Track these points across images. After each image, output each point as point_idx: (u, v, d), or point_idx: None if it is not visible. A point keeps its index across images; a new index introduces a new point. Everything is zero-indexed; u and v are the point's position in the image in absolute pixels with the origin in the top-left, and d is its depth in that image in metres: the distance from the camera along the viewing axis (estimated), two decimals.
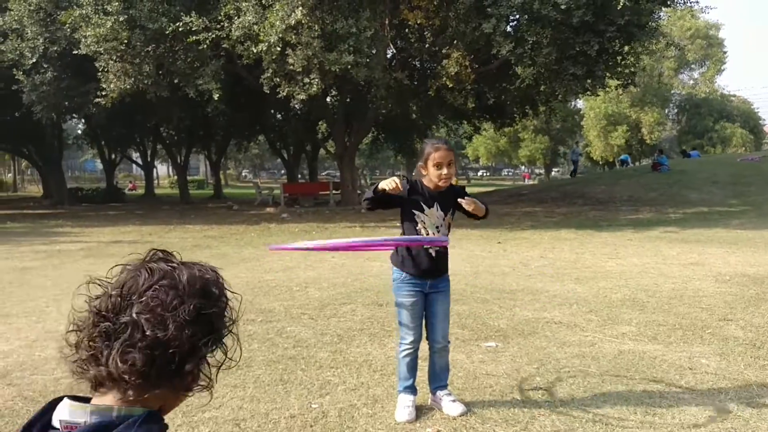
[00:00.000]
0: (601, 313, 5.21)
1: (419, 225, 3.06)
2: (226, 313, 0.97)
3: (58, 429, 0.89)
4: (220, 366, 0.98)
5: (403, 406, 3.07)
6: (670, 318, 5.00)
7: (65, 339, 0.95)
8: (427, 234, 3.06)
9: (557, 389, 3.43)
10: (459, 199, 3.03)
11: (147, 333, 0.88)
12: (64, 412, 0.90)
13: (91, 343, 0.91)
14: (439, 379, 3.19)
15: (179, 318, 0.89)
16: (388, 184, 2.89)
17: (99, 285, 0.96)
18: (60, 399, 0.92)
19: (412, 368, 3.13)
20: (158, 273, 0.93)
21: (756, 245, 9.36)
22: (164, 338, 0.88)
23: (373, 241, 3.08)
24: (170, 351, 0.89)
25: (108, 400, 0.90)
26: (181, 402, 0.98)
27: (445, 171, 2.98)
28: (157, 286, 0.91)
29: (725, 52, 48.38)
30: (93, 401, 0.91)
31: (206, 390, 0.97)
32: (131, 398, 0.90)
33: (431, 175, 3.03)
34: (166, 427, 0.92)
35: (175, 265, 0.95)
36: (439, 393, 3.16)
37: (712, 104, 47.54)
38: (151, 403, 0.91)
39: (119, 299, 0.91)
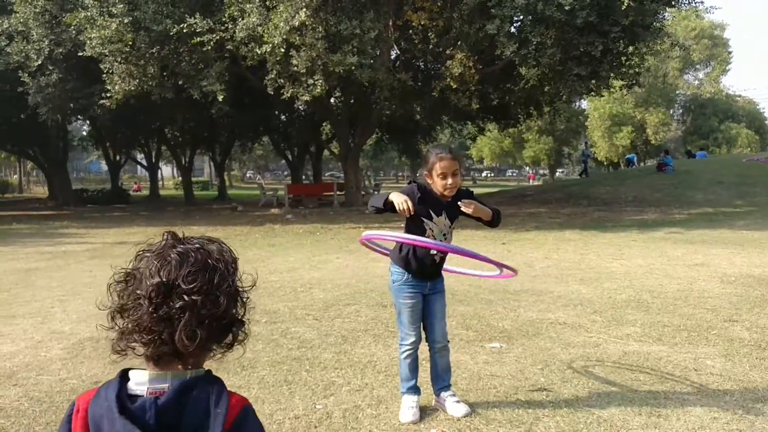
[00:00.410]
0: (606, 314, 5.20)
1: (427, 232, 3.05)
2: (237, 273, 1.10)
3: (141, 395, 1.01)
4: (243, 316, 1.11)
5: (407, 406, 3.08)
6: (675, 319, 4.99)
7: (108, 328, 1.05)
8: (435, 241, 3.04)
9: (561, 390, 3.42)
10: (459, 203, 2.99)
11: (203, 312, 0.99)
12: (142, 380, 1.02)
13: (152, 327, 1.00)
14: (441, 379, 3.19)
15: (228, 293, 1.03)
16: (400, 204, 2.83)
17: (127, 273, 1.05)
18: (122, 372, 1.04)
19: (414, 369, 3.15)
20: (192, 256, 1.03)
21: (761, 246, 9.33)
22: (219, 313, 1.01)
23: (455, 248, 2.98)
24: (224, 321, 1.03)
25: (173, 367, 1.03)
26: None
27: (450, 181, 2.97)
28: (198, 269, 1.01)
29: (730, 52, 48.27)
30: (154, 370, 1.03)
31: (242, 343, 1.10)
32: (191, 363, 1.04)
33: (437, 185, 3.02)
34: None
35: (198, 246, 1.05)
36: (443, 394, 3.17)
37: (717, 104, 47.42)
38: (200, 363, 1.06)
39: (163, 286, 1.00)
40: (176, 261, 1.01)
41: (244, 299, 1.09)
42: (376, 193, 21.56)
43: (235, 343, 1.08)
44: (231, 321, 1.05)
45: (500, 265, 3.09)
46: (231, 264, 1.07)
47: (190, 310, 0.99)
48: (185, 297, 0.99)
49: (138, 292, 1.01)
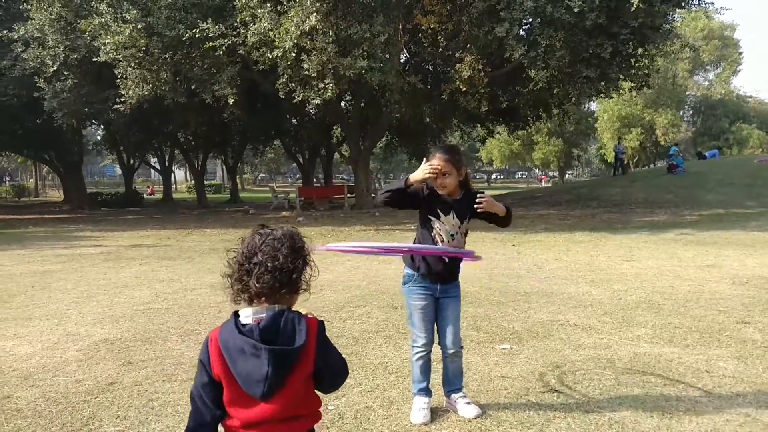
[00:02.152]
0: (616, 316, 5.19)
1: (434, 231, 3.05)
2: (305, 248, 1.65)
3: (249, 323, 1.56)
4: (310, 277, 1.66)
5: (419, 408, 3.09)
6: (686, 320, 4.97)
7: (224, 280, 1.65)
8: (442, 241, 3.04)
9: (572, 392, 3.43)
10: (475, 205, 2.96)
11: (269, 265, 1.57)
12: (248, 314, 1.58)
13: (242, 279, 1.59)
14: (452, 383, 3.20)
15: (283, 253, 1.58)
16: (424, 171, 2.89)
17: (233, 250, 1.65)
18: (234, 313, 1.61)
19: (426, 371, 3.15)
20: (264, 235, 1.63)
21: None
22: (278, 265, 1.57)
23: (423, 248, 3.00)
24: (284, 271, 1.57)
25: (264, 305, 1.59)
26: (296, 300, 1.68)
27: (439, 180, 2.97)
28: (267, 240, 1.61)
29: (741, 53, 47.81)
30: (255, 308, 1.59)
31: (307, 291, 1.67)
32: (271, 302, 1.59)
33: (433, 184, 3.01)
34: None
35: (272, 229, 1.66)
36: (454, 396, 3.17)
37: (727, 105, 46.99)
38: (284, 302, 1.62)
39: (247, 252, 1.60)
40: (257, 238, 1.62)
41: (306, 258, 1.64)
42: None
43: (300, 289, 1.64)
44: (289, 271, 1.58)
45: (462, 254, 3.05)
46: (291, 238, 1.63)
47: (260, 265, 1.56)
48: (259, 257, 1.57)
49: (236, 258, 1.62)
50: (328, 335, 1.65)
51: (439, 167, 2.92)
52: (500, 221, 3.07)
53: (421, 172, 2.91)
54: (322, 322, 1.63)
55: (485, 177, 75.00)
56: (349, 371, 1.80)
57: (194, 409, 1.61)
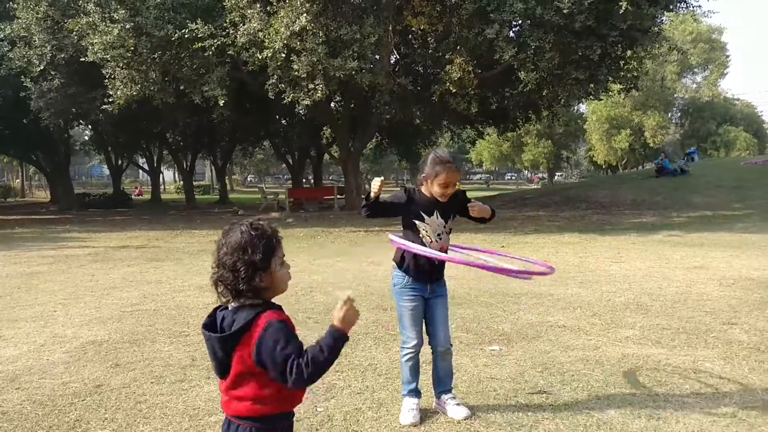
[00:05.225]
0: (605, 317, 5.22)
1: (422, 233, 3.10)
2: (261, 251, 1.72)
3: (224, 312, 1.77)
4: (284, 265, 1.82)
5: (408, 409, 3.10)
6: (673, 322, 5.01)
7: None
8: (430, 241, 3.09)
9: (561, 393, 3.44)
10: (468, 205, 3.11)
11: (223, 280, 1.73)
12: (226, 307, 1.77)
13: (217, 287, 1.77)
14: (443, 383, 3.21)
15: (232, 268, 1.71)
16: (373, 189, 3.02)
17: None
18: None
19: (415, 372, 3.17)
20: (221, 246, 1.76)
21: (761, 249, 9.34)
22: (229, 281, 1.72)
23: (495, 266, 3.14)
24: (233, 285, 1.72)
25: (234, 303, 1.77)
26: (267, 296, 1.78)
27: (449, 190, 3.06)
28: (221, 252, 1.74)
29: (728, 56, 48.45)
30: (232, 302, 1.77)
31: (269, 289, 1.77)
32: (237, 302, 1.75)
33: (435, 193, 3.07)
34: (269, 307, 1.77)
35: (228, 235, 1.76)
36: (444, 397, 3.19)
37: (715, 108, 47.53)
38: (249, 302, 1.75)
39: (215, 261, 1.77)
40: (217, 248, 1.76)
41: (259, 265, 1.72)
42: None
43: (259, 293, 1.74)
44: (238, 283, 1.71)
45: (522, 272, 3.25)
46: (243, 249, 1.72)
47: (221, 279, 1.74)
48: (219, 270, 1.74)
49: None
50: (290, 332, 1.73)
51: (380, 189, 3.04)
52: (479, 220, 3.22)
53: (377, 186, 3.03)
54: (274, 321, 1.70)
55: (483, 178, 74.36)
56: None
57: None
